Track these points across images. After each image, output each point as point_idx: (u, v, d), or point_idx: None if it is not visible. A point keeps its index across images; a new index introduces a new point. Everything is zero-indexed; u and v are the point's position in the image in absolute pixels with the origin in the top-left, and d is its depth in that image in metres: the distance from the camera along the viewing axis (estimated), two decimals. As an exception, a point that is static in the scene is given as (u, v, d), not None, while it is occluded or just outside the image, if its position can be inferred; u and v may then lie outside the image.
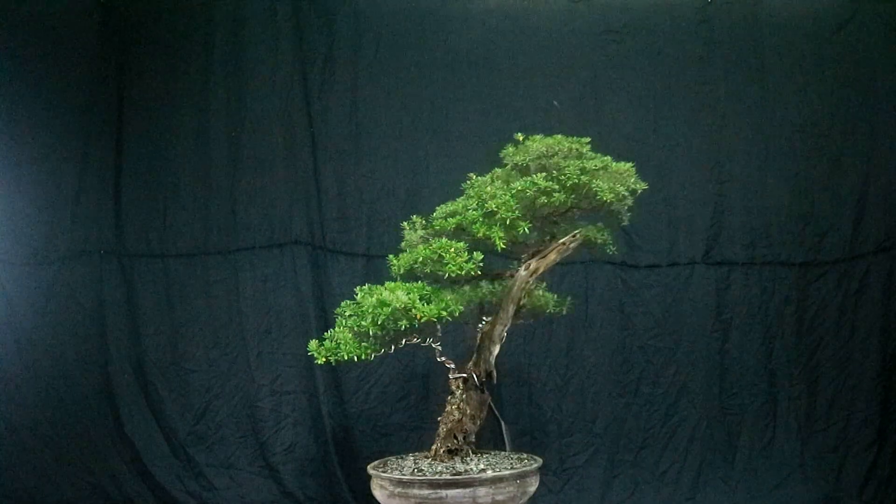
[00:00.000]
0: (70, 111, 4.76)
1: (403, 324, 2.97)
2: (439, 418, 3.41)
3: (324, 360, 3.09)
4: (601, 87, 4.68)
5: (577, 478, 4.49)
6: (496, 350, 3.38)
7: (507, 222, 3.07)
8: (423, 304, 2.97)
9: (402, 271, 3.23)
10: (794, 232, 4.57)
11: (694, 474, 4.47)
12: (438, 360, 3.30)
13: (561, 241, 3.30)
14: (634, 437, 4.54)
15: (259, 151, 4.72)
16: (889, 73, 4.58)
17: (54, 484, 4.56)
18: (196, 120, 4.76)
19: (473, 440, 3.40)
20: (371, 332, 3.01)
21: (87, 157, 4.77)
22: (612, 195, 3.16)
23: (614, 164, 3.29)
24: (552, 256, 3.30)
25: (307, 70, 4.71)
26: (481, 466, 3.21)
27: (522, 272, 3.29)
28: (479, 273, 3.08)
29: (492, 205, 3.12)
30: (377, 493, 3.24)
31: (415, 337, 3.17)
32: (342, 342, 3.08)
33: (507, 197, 3.11)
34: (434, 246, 3.09)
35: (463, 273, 2.98)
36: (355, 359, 3.05)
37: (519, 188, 3.12)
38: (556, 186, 3.14)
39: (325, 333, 3.16)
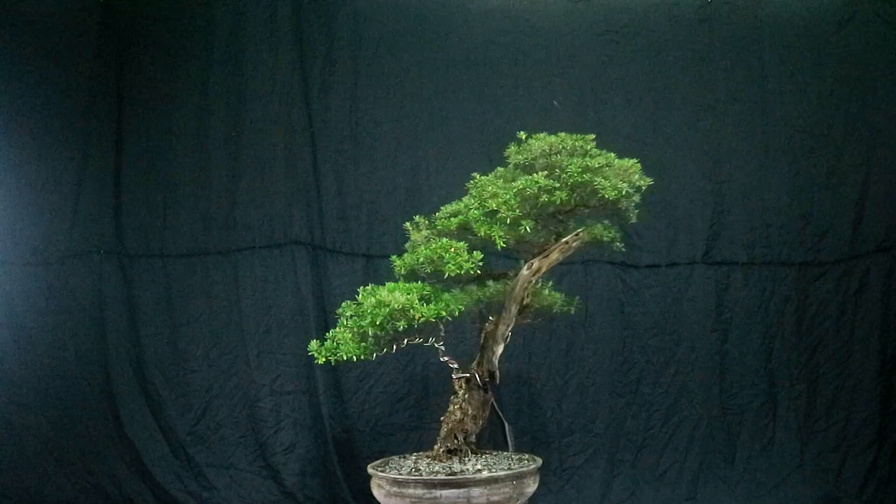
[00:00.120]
0: (70, 111, 4.76)
1: (402, 324, 2.97)
2: (442, 418, 3.42)
3: (324, 360, 3.09)
4: (601, 87, 4.68)
5: (577, 478, 4.49)
6: (499, 350, 3.38)
7: (508, 221, 3.07)
8: (421, 305, 2.97)
9: (404, 271, 3.23)
10: (794, 232, 4.58)
11: (694, 474, 4.47)
12: (442, 359, 3.30)
13: (564, 239, 3.29)
14: (634, 437, 4.54)
15: (259, 151, 4.72)
16: (889, 73, 4.59)
17: (54, 484, 4.56)
18: (196, 120, 4.76)
19: (474, 440, 3.40)
20: (370, 333, 3.02)
21: (87, 157, 4.77)
22: (615, 192, 3.14)
23: (618, 160, 3.27)
24: (554, 255, 3.29)
25: (307, 70, 4.71)
26: (478, 467, 3.20)
27: (525, 271, 3.28)
28: (480, 273, 3.09)
29: (492, 204, 3.12)
30: (376, 492, 3.25)
31: (417, 337, 3.17)
32: (342, 342, 3.08)
33: (508, 196, 3.11)
34: (434, 246, 3.09)
35: (462, 272, 2.98)
36: (354, 359, 3.05)
37: (520, 187, 3.12)
38: (557, 184, 3.13)
39: (327, 333, 3.16)
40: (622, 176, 3.22)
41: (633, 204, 3.28)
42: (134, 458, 4.61)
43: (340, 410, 4.58)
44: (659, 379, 4.56)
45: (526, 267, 3.29)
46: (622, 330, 4.58)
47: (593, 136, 3.37)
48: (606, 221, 3.40)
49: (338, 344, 3.09)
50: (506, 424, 3.64)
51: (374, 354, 3.12)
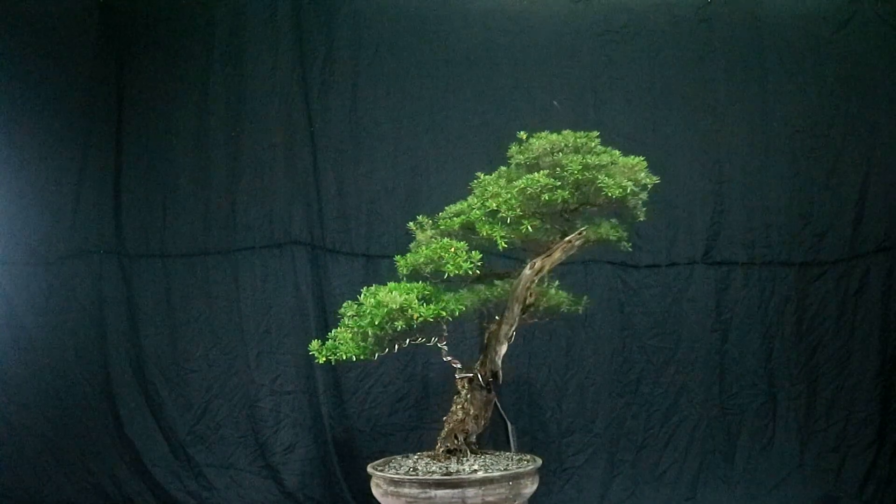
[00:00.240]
0: (70, 111, 4.76)
1: (400, 324, 2.97)
2: (444, 418, 3.42)
3: (324, 359, 3.09)
4: (601, 87, 4.68)
5: (577, 477, 4.49)
6: (503, 350, 3.37)
7: (508, 221, 3.07)
8: (420, 305, 2.97)
9: (406, 271, 3.23)
10: (794, 232, 4.57)
11: (693, 474, 4.47)
12: (445, 359, 3.30)
13: (566, 238, 3.26)
14: (634, 437, 4.54)
15: (259, 151, 4.72)
16: (889, 73, 4.58)
17: (54, 484, 4.56)
18: (196, 120, 4.76)
19: (474, 440, 3.40)
20: (370, 333, 3.02)
21: (87, 157, 4.77)
22: (618, 190, 3.11)
23: (623, 158, 3.25)
24: (557, 254, 3.27)
25: (307, 70, 4.71)
26: (475, 467, 3.20)
27: (527, 271, 3.27)
28: (480, 272, 3.08)
29: (492, 203, 3.11)
30: (375, 491, 3.27)
31: (419, 337, 3.17)
32: (342, 342, 3.08)
33: (510, 195, 3.10)
34: (434, 246, 3.09)
35: (461, 272, 2.98)
36: (353, 359, 3.05)
37: (521, 186, 3.11)
38: (558, 183, 3.12)
39: (329, 334, 3.16)
40: (627, 174, 3.20)
41: (640, 202, 3.26)
42: (134, 458, 4.61)
43: (340, 410, 4.58)
44: (659, 379, 4.56)
45: (528, 266, 3.28)
46: (622, 330, 4.58)
47: (597, 134, 3.36)
48: (613, 220, 3.38)
49: (338, 344, 3.09)
50: (508, 425, 3.63)
51: (376, 354, 3.13)
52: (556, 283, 3.52)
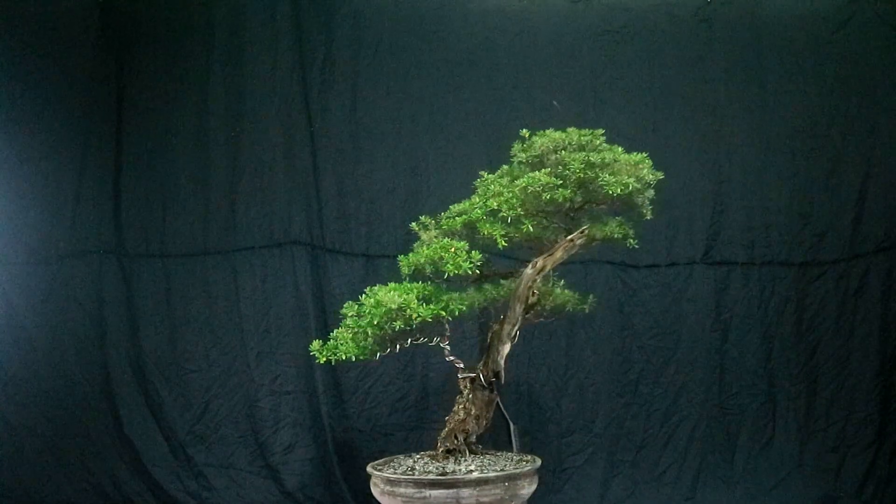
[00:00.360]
0: (70, 111, 4.76)
1: (398, 324, 2.97)
2: (446, 417, 3.42)
3: (324, 359, 3.09)
4: (601, 87, 4.68)
5: (577, 477, 4.49)
6: (506, 350, 3.36)
7: (509, 220, 3.07)
8: (419, 305, 2.97)
9: (409, 271, 3.22)
10: (794, 232, 4.57)
11: (693, 474, 4.47)
12: (448, 359, 3.29)
13: (568, 237, 3.24)
14: (634, 437, 4.54)
15: (258, 151, 4.72)
16: (888, 73, 4.58)
17: (54, 484, 4.56)
18: (196, 120, 4.76)
19: (474, 440, 3.39)
20: (370, 333, 3.02)
21: (87, 157, 4.77)
22: (620, 188, 3.09)
23: (626, 155, 3.22)
24: (559, 253, 3.25)
25: (307, 70, 4.71)
26: (471, 467, 3.20)
27: (528, 270, 3.26)
28: (480, 272, 3.08)
29: (493, 203, 3.11)
30: (374, 490, 3.28)
31: (421, 337, 3.17)
32: (342, 342, 3.08)
33: (511, 194, 3.10)
34: (435, 246, 3.09)
35: (460, 272, 2.98)
36: (353, 359, 3.06)
37: (521, 185, 3.11)
38: (559, 182, 3.12)
39: (331, 334, 3.16)
40: (631, 171, 3.18)
41: (647, 199, 3.24)
42: (133, 458, 4.61)
43: (340, 410, 4.58)
44: (658, 379, 4.56)
45: (530, 266, 3.27)
46: (622, 330, 4.58)
47: (602, 131, 3.34)
48: (620, 218, 3.34)
49: (338, 344, 3.09)
50: (511, 425, 3.63)
51: (378, 354, 3.12)
52: (562, 282, 3.51)
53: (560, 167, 3.20)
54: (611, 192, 3.10)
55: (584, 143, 3.29)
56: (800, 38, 4.64)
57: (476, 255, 3.00)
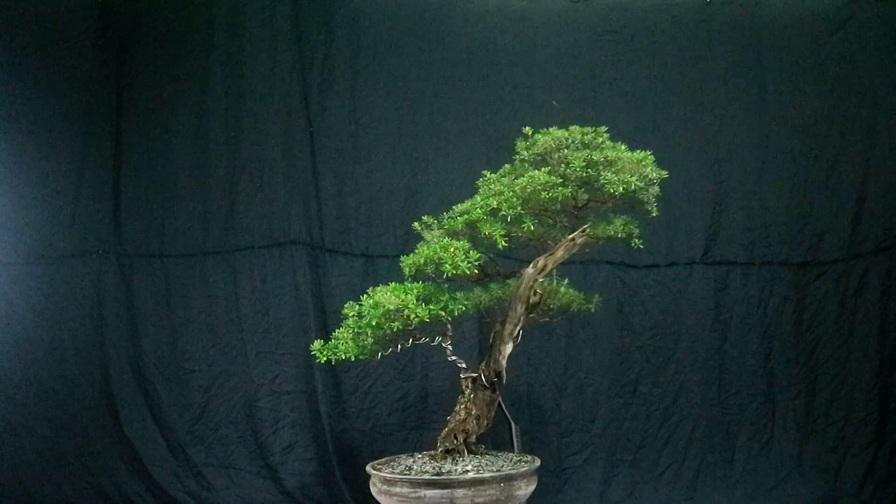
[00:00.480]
0: (70, 111, 4.76)
1: (396, 325, 2.97)
2: (448, 417, 3.42)
3: (325, 359, 3.10)
4: (601, 87, 4.68)
5: (576, 477, 4.49)
6: (507, 350, 3.35)
7: (509, 219, 3.06)
8: (418, 306, 2.96)
9: (410, 272, 3.21)
10: (793, 232, 4.58)
11: (692, 474, 4.47)
12: (450, 359, 3.29)
13: (570, 236, 3.23)
14: (633, 437, 4.54)
15: (258, 151, 4.72)
16: (887, 74, 4.59)
17: (54, 484, 4.56)
18: (195, 120, 4.76)
19: (474, 440, 3.39)
20: (369, 333, 3.02)
21: (87, 157, 4.77)
22: (622, 187, 3.06)
23: (628, 153, 3.20)
24: (560, 253, 3.24)
25: (306, 70, 4.71)
26: (468, 468, 3.19)
27: (529, 270, 3.26)
28: (479, 272, 3.07)
29: (493, 202, 3.11)
30: (372, 489, 3.29)
31: (422, 337, 3.17)
32: (342, 342, 3.08)
33: (510, 193, 3.09)
34: (434, 246, 3.08)
35: (458, 272, 2.97)
36: (353, 359, 3.06)
37: (522, 184, 3.10)
38: (560, 181, 3.11)
39: (332, 334, 3.16)
40: (633, 169, 3.16)
41: (653, 197, 3.21)
42: (133, 458, 4.61)
43: (339, 410, 4.58)
44: (658, 379, 4.56)
45: (532, 265, 3.26)
46: (621, 330, 4.58)
47: (605, 129, 3.33)
48: (626, 216, 3.32)
49: (338, 344, 3.09)
50: (512, 425, 3.62)
51: (379, 354, 3.12)
52: (566, 281, 3.50)
53: (563, 165, 3.19)
54: (612, 191, 3.08)
55: (587, 141, 3.27)
56: (799, 39, 4.64)
57: (474, 255, 3.00)
